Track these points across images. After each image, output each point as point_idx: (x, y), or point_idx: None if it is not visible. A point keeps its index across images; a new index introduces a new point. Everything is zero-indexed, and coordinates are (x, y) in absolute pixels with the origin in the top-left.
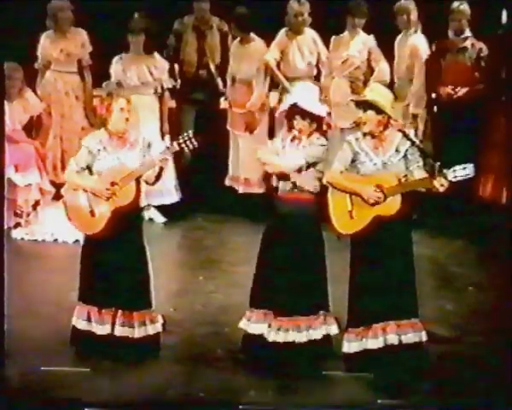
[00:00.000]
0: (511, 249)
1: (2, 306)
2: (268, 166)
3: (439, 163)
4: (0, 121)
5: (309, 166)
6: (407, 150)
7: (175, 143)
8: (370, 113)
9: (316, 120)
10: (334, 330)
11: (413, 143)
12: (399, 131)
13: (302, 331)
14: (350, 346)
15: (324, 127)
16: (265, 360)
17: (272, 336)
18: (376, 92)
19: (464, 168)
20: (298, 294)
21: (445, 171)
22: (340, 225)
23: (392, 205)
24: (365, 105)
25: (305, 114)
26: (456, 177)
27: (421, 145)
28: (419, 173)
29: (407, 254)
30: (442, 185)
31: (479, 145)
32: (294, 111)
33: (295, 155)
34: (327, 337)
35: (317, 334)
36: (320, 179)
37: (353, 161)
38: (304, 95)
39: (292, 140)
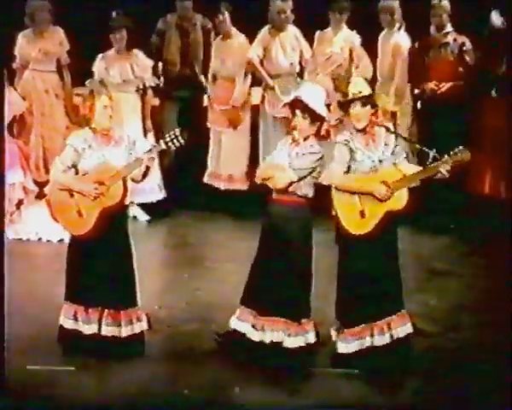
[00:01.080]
0: (498, 244)
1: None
2: (268, 182)
3: (434, 150)
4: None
5: (305, 176)
6: (395, 143)
7: (161, 142)
8: (367, 108)
9: (316, 119)
10: (311, 338)
11: (397, 135)
12: (381, 126)
13: (284, 334)
14: (348, 347)
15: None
16: (250, 357)
17: (255, 336)
18: (363, 87)
19: (461, 151)
20: (282, 297)
21: (444, 159)
22: (352, 226)
23: (401, 198)
24: (364, 100)
25: (307, 110)
26: (454, 162)
27: (405, 136)
28: (405, 165)
29: (393, 248)
30: (447, 171)
31: (465, 140)
32: (297, 105)
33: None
34: (308, 345)
35: (296, 341)
36: (314, 184)
37: (350, 159)
38: (310, 92)
39: (291, 143)
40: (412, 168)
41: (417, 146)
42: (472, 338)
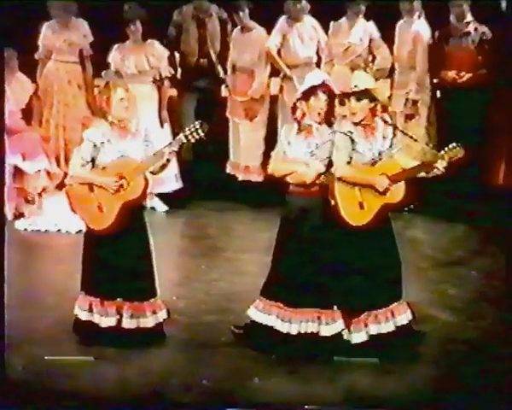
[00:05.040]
0: None
1: (2, 296)
2: (289, 178)
3: (431, 145)
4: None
5: (327, 164)
6: (392, 135)
7: (182, 135)
8: (365, 101)
9: (332, 98)
10: (341, 325)
11: (395, 127)
12: (380, 118)
13: (319, 323)
14: (359, 335)
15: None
16: (270, 347)
17: (283, 327)
18: (364, 80)
19: (455, 147)
20: (313, 286)
21: (441, 153)
22: (351, 217)
23: (398, 192)
24: (360, 94)
25: (328, 90)
26: (451, 157)
27: (402, 129)
28: (402, 158)
29: (390, 240)
30: (444, 167)
31: (485, 129)
32: (316, 88)
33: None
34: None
35: (333, 328)
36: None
37: (352, 150)
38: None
39: (298, 132)
40: (409, 161)
41: (415, 141)
42: (491, 328)
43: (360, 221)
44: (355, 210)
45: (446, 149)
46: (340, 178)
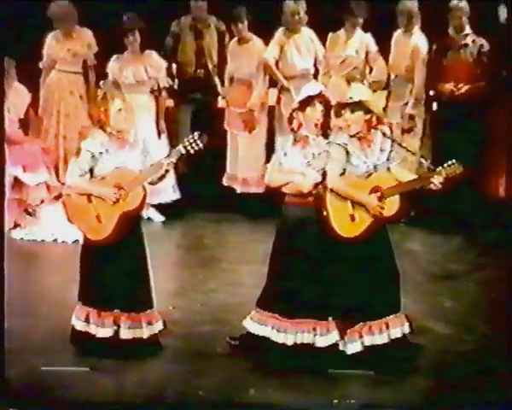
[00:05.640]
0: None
1: (2, 305)
2: (286, 188)
3: (429, 161)
4: (0, 120)
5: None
6: (391, 149)
7: (181, 146)
8: (359, 113)
9: (329, 109)
10: (336, 336)
11: (393, 140)
12: (378, 130)
13: (314, 334)
14: (354, 346)
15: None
16: (265, 358)
17: (279, 338)
18: (360, 92)
19: (454, 164)
20: (309, 297)
21: (438, 169)
22: (341, 229)
23: (392, 206)
24: (354, 106)
25: (324, 100)
26: (448, 174)
27: (400, 142)
28: (399, 171)
29: (385, 252)
30: (440, 183)
31: (484, 142)
32: (312, 98)
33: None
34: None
35: (328, 339)
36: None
37: (346, 162)
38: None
39: (294, 143)
40: (406, 175)
41: (413, 154)
42: (486, 341)
43: (350, 233)
44: (346, 222)
45: (445, 165)
46: (332, 190)
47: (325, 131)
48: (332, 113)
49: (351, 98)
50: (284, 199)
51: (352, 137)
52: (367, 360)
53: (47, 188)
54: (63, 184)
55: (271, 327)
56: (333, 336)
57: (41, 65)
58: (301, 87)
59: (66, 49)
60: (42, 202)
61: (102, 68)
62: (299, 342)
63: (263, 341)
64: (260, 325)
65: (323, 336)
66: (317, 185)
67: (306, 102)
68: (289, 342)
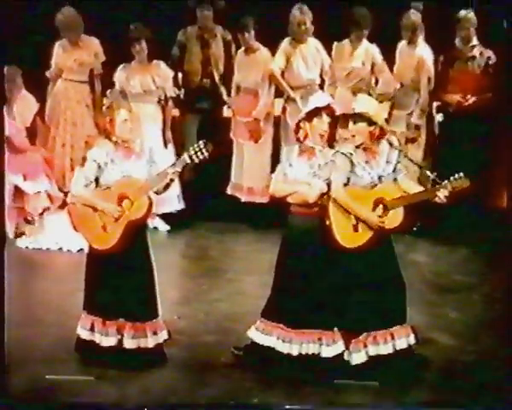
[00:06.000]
0: None
1: (2, 314)
2: (291, 198)
3: (435, 174)
4: (0, 127)
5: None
6: (397, 160)
7: (186, 155)
8: (361, 125)
9: (335, 121)
10: (342, 347)
11: (400, 151)
12: (386, 140)
13: (314, 344)
14: (359, 356)
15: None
16: (270, 368)
17: (284, 348)
18: (365, 103)
19: (461, 178)
20: (311, 308)
21: (444, 183)
22: (344, 239)
23: (395, 217)
24: (356, 117)
25: (331, 112)
26: (454, 187)
27: (407, 153)
28: (406, 183)
29: (389, 262)
30: (445, 196)
31: (490, 154)
32: (320, 109)
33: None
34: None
35: (334, 350)
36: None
37: (350, 172)
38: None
39: (300, 154)
40: (412, 187)
41: (420, 168)
42: (491, 352)
43: (353, 244)
44: (348, 232)
45: (452, 178)
46: (335, 199)
47: (331, 142)
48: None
49: (354, 109)
50: (290, 209)
51: (357, 147)
52: (371, 371)
53: (48, 197)
54: (66, 193)
55: (276, 337)
56: (338, 347)
57: (48, 74)
58: (307, 97)
59: (72, 58)
60: (45, 210)
61: (109, 77)
62: (304, 352)
63: (267, 351)
64: (265, 335)
65: (329, 346)
66: (322, 195)
67: (313, 113)
68: (294, 353)
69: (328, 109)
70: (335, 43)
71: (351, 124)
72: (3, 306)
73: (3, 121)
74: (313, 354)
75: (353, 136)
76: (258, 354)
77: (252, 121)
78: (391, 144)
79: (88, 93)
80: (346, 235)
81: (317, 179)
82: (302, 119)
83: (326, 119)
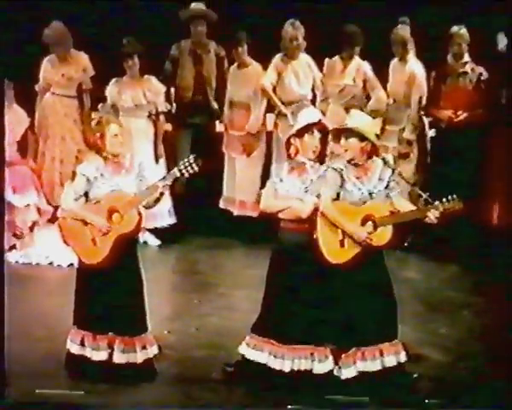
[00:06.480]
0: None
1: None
2: (284, 214)
3: (427, 194)
4: (0, 139)
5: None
6: (389, 178)
7: (176, 170)
8: (353, 140)
9: (326, 136)
10: (331, 363)
11: (393, 170)
12: (381, 158)
13: (306, 360)
14: (349, 371)
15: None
16: (261, 383)
17: (276, 364)
18: (357, 119)
19: (454, 199)
20: (303, 324)
21: (436, 203)
22: (330, 254)
23: (384, 235)
24: (348, 133)
25: (322, 128)
26: (446, 209)
27: (401, 172)
28: (399, 201)
29: (379, 279)
30: (436, 217)
31: (481, 170)
32: (311, 126)
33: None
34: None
35: (326, 366)
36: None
37: (340, 187)
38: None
39: (291, 171)
40: (406, 205)
41: (412, 186)
42: (482, 368)
43: (339, 259)
44: (335, 247)
45: (444, 200)
46: (323, 213)
47: (322, 157)
48: (330, 138)
49: (346, 125)
50: (280, 225)
51: (348, 163)
52: (362, 387)
53: (37, 210)
54: (55, 207)
55: (268, 353)
56: (330, 362)
57: (37, 88)
58: (299, 113)
59: (60, 73)
60: (34, 224)
61: (101, 92)
62: (296, 368)
63: (258, 366)
64: (257, 351)
65: (322, 362)
66: (316, 210)
67: (305, 130)
68: (286, 369)
69: (319, 125)
70: (327, 59)
71: (342, 139)
72: (3, 318)
73: (4, 138)
74: (305, 369)
75: (346, 150)
76: (250, 370)
77: (245, 135)
78: (385, 162)
79: (76, 108)
80: (332, 250)
81: (310, 195)
82: (293, 135)
83: (317, 135)
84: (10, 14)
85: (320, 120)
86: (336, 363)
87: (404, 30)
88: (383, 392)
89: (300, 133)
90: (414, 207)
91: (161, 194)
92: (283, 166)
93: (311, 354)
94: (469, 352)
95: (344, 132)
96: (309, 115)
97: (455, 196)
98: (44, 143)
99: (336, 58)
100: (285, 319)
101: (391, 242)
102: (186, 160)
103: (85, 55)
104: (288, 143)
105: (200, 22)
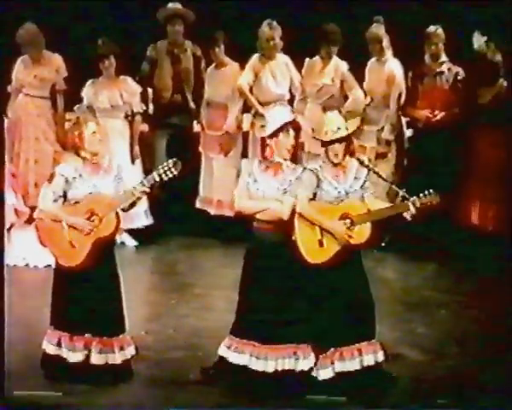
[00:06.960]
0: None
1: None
2: (262, 215)
3: (404, 190)
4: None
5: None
6: (366, 177)
7: (155, 174)
8: (344, 143)
9: (299, 134)
10: (312, 360)
11: (369, 169)
12: (356, 158)
13: (290, 359)
14: (325, 372)
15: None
16: (239, 384)
17: (258, 365)
18: (336, 122)
19: (430, 194)
20: (284, 323)
21: (412, 198)
22: (309, 254)
23: (362, 233)
24: (343, 138)
25: (296, 125)
26: (422, 204)
27: (377, 170)
28: (372, 201)
29: (357, 278)
30: (412, 214)
31: (459, 169)
32: (286, 124)
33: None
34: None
35: (309, 363)
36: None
37: (316, 187)
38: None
39: (265, 169)
40: (379, 204)
41: (388, 184)
42: (458, 367)
43: (318, 259)
44: (314, 247)
45: (421, 195)
46: (300, 214)
47: (295, 155)
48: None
49: (339, 129)
50: (253, 224)
51: (325, 163)
52: (340, 387)
53: (15, 212)
54: (32, 208)
55: (250, 354)
56: (312, 359)
57: (9, 89)
58: (270, 113)
59: (33, 74)
60: (12, 225)
61: (77, 93)
62: (279, 368)
63: (238, 367)
64: (237, 353)
65: (306, 359)
66: (293, 212)
67: (280, 129)
68: (270, 369)
69: (293, 123)
70: (307, 59)
71: (336, 144)
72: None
73: (4, 140)
74: (289, 369)
75: (336, 154)
76: (229, 370)
77: (222, 135)
78: (361, 162)
79: (49, 108)
80: (311, 250)
81: (288, 196)
82: (269, 135)
83: (292, 133)
84: None
85: (294, 119)
86: (315, 363)
87: (378, 28)
88: (361, 392)
89: (275, 133)
90: (386, 205)
91: (139, 198)
92: (254, 162)
93: (294, 352)
94: (447, 351)
95: (338, 140)
96: (282, 115)
97: (431, 190)
98: (19, 144)
99: (317, 58)
100: (264, 319)
101: (369, 241)
102: (165, 164)
103: (59, 56)
104: (264, 144)
105: (177, 21)
